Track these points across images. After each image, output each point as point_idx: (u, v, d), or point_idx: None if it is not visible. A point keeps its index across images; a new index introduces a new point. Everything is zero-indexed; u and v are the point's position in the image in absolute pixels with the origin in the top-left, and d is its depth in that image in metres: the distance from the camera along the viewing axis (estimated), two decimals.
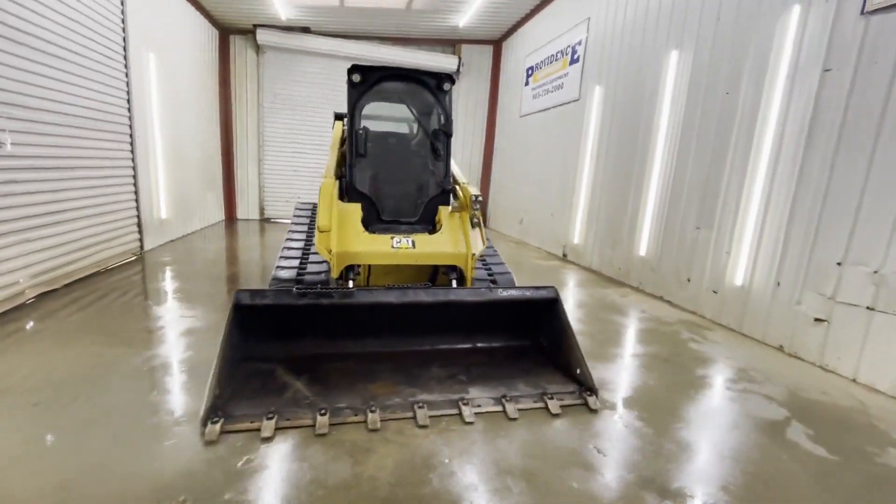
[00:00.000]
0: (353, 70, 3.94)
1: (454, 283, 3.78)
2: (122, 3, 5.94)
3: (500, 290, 3.46)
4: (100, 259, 5.58)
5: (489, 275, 4.21)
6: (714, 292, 4.93)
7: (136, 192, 6.44)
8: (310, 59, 10.77)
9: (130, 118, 6.21)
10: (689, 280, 5.29)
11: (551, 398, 2.91)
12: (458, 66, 11.37)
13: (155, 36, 6.96)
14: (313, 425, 2.49)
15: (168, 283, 5.43)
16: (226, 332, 2.78)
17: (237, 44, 10.47)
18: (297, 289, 3.10)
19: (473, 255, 3.74)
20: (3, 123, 3.97)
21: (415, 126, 4.63)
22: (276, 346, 3.23)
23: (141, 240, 6.62)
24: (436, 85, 4.12)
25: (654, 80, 5.94)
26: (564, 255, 8.19)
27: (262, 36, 10.12)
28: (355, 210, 3.88)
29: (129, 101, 6.15)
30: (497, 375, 3.21)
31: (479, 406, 2.81)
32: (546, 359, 3.51)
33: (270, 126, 10.98)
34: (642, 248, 6.11)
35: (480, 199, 3.93)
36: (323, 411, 2.58)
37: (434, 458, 2.30)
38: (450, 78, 4.12)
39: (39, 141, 4.45)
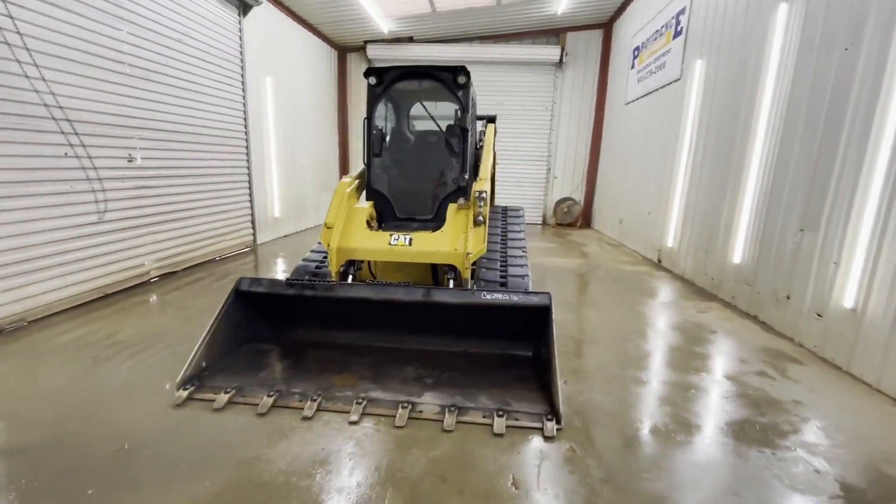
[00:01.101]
0: (368, 73, 4.11)
1: (451, 283, 3.67)
2: (240, 40, 7.19)
3: (485, 293, 3.23)
4: (216, 249, 6.89)
5: (501, 277, 3.95)
6: (818, 315, 3.75)
7: (250, 194, 7.75)
8: None
9: (246, 133, 7.50)
10: (787, 297, 4.12)
11: (502, 415, 2.63)
12: (561, 56, 10.73)
13: (272, 61, 8.24)
14: (257, 405, 2.72)
15: (271, 269, 6.43)
16: (220, 312, 3.20)
17: (353, 60, 11.67)
18: (287, 279, 3.39)
19: (468, 254, 3.56)
20: (134, 143, 5.21)
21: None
22: (269, 331, 3.58)
23: (254, 234, 7.93)
24: (451, 79, 4.02)
25: (758, 46, 4.76)
26: (659, 261, 7.11)
27: (372, 51, 11.08)
28: (365, 208, 4.05)
29: (245, 118, 7.43)
30: (465, 384, 3.03)
31: (420, 412, 2.70)
32: (539, 372, 3.17)
33: None
34: (736, 255, 4.96)
35: (484, 195, 3.73)
36: (272, 394, 2.80)
37: (334, 455, 2.31)
38: (464, 70, 3.98)
39: (165, 155, 5.71)
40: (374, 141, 4.20)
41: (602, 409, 2.82)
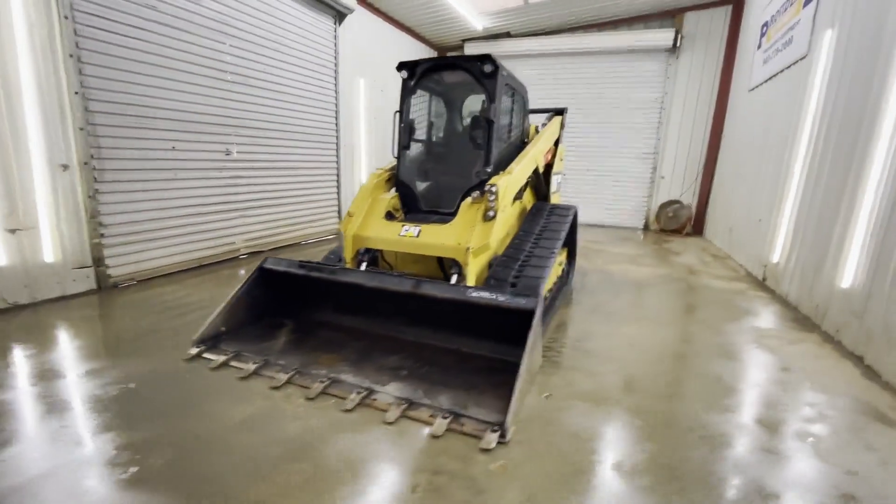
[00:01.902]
0: (400, 67, 4.19)
1: (454, 279, 3.57)
2: (335, 46, 7.91)
3: (473, 290, 3.08)
4: (302, 234, 7.73)
5: (515, 277, 3.69)
6: None
7: (338, 186, 8.50)
8: (515, 63, 11.16)
9: (337, 130, 8.23)
10: None
11: (447, 417, 2.49)
12: (676, 40, 9.48)
13: (366, 63, 8.88)
14: (242, 369, 3.02)
15: None
16: (243, 284, 3.62)
17: None
18: (300, 261, 3.68)
19: (468, 249, 3.43)
20: (231, 139, 6.13)
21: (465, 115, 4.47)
22: (287, 307, 3.89)
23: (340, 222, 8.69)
24: (478, 70, 3.89)
25: None
26: (763, 279, 5.88)
27: (469, 48, 11.19)
28: (388, 200, 4.15)
29: (336, 117, 8.16)
30: (437, 381, 2.94)
31: (373, 400, 2.70)
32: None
33: None
34: (846, 278, 3.86)
35: (494, 189, 3.55)
36: (258, 362, 3.08)
37: (265, 419, 2.46)
38: (489, 59, 3.82)
39: (258, 149, 6.59)
40: (402, 133, 4.28)
41: (570, 433, 2.48)
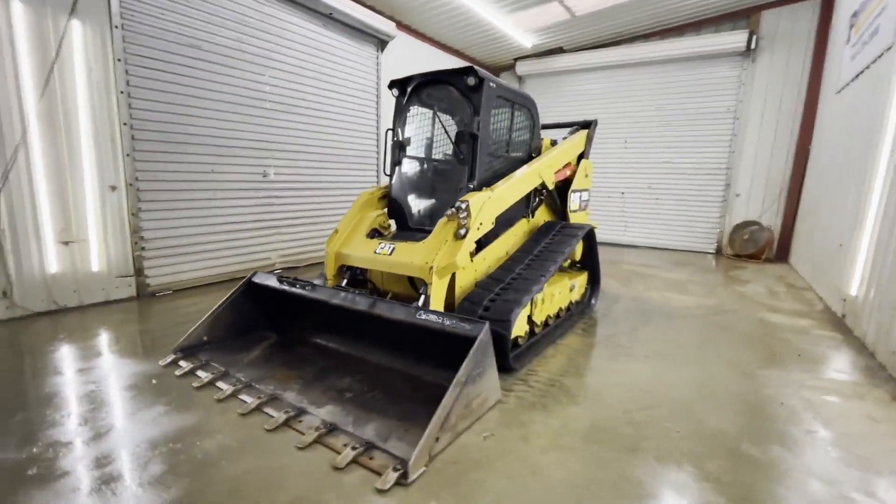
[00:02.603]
0: (391, 85, 4.19)
1: (421, 300, 3.39)
2: (377, 72, 8.25)
3: (423, 312, 2.90)
4: None
5: (491, 300, 3.41)
6: None
7: None
8: (571, 79, 10.75)
9: (377, 152, 8.50)
10: None
11: (357, 448, 2.31)
12: (750, 42, 8.45)
13: None
14: (200, 379, 3.11)
15: None
16: (227, 298, 3.77)
17: (506, 78, 11.83)
18: (281, 277, 3.75)
19: (431, 268, 3.24)
20: (269, 162, 6.60)
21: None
22: (271, 322, 3.96)
23: None
24: (463, 84, 3.75)
25: None
26: (843, 316, 4.82)
27: (521, 67, 11.04)
28: (374, 217, 4.13)
29: (377, 140, 8.44)
30: (376, 408, 2.78)
31: (300, 422, 2.60)
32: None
33: None
34: None
35: (463, 206, 3.35)
36: (216, 374, 3.15)
37: (182, 429, 2.47)
38: (471, 72, 3.67)
39: (296, 171, 7.02)
40: (393, 150, 4.25)
41: (494, 487, 2.15)
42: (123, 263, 5.15)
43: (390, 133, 4.30)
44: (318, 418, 2.63)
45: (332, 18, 7.04)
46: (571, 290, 4.64)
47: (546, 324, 4.23)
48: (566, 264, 4.92)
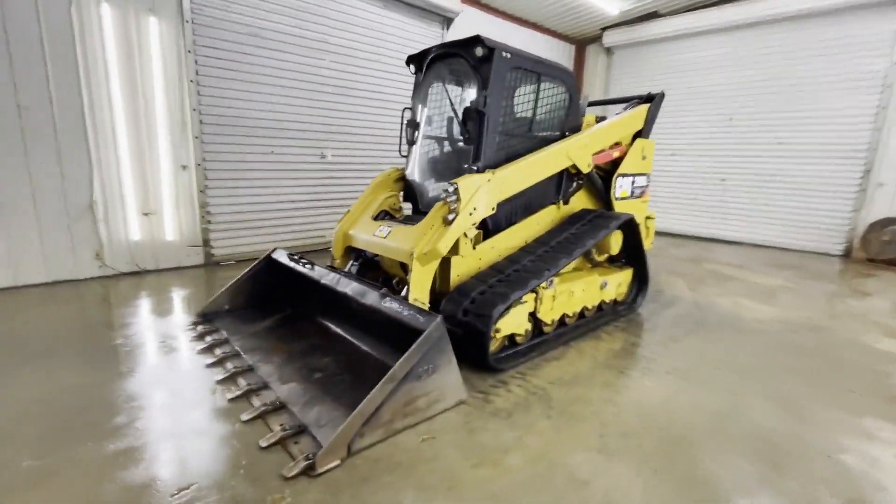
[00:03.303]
0: (408, 62, 4.02)
1: (406, 289, 3.25)
2: None
3: (388, 299, 2.78)
4: None
5: (480, 293, 3.14)
6: None
7: None
8: (667, 47, 9.44)
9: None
10: None
11: (288, 430, 2.31)
12: None
13: None
14: (207, 344, 3.38)
15: None
16: (248, 270, 4.03)
17: (591, 52, 10.79)
18: (289, 254, 3.90)
19: (412, 254, 3.08)
20: (327, 144, 6.90)
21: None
22: (287, 296, 4.13)
23: None
24: (472, 55, 3.44)
25: None
26: None
27: (609, 37, 9.96)
28: (385, 199, 4.07)
29: None
30: (335, 391, 2.76)
31: (258, 395, 2.68)
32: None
33: None
34: None
35: (453, 188, 3.11)
36: (213, 343, 3.39)
37: (151, 392, 2.68)
38: (478, 42, 3.34)
39: (354, 152, 7.24)
40: (408, 130, 4.10)
41: (396, 493, 1.99)
42: (193, 234, 5.83)
43: (407, 112, 4.15)
44: (275, 395, 2.69)
45: None
46: (603, 287, 4.10)
47: (562, 323, 3.81)
48: (601, 258, 4.35)
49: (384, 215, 4.06)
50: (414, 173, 4.13)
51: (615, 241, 4.16)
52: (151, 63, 5.20)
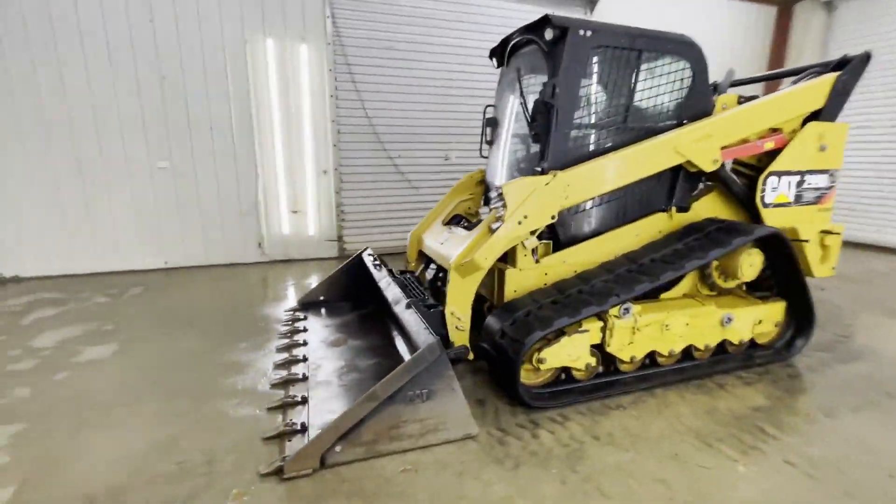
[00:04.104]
0: (491, 55, 3.75)
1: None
2: None
3: (409, 309, 2.66)
4: None
5: (526, 315, 2.73)
6: None
7: None
8: None
9: None
10: None
11: (290, 426, 2.38)
12: None
13: None
14: (292, 327, 3.80)
15: None
16: (342, 265, 4.38)
17: (802, 10, 8.28)
18: (371, 254, 4.08)
19: (451, 261, 2.86)
20: (451, 146, 7.00)
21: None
22: (366, 292, 4.32)
23: None
24: (543, 39, 2.98)
25: None
26: None
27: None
28: (460, 203, 3.91)
29: None
30: (352, 398, 2.72)
31: (292, 386, 2.86)
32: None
33: None
34: None
35: (500, 191, 2.79)
36: (302, 328, 3.77)
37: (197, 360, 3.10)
38: (547, 23, 2.86)
39: (475, 153, 7.16)
40: (487, 128, 3.79)
41: None
42: (329, 230, 6.66)
43: (490, 110, 3.86)
44: (307, 388, 2.83)
45: None
46: (726, 324, 3.09)
47: (653, 362, 3.03)
48: (728, 284, 3.28)
49: (458, 220, 3.88)
50: (494, 175, 3.83)
51: (747, 264, 3.08)
52: (300, 83, 6.10)
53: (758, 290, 3.47)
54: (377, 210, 6.82)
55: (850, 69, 3.39)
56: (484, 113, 3.91)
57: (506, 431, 2.44)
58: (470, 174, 4.15)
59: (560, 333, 2.73)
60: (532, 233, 2.90)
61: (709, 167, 3.17)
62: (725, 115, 3.20)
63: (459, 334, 2.90)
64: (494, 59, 3.78)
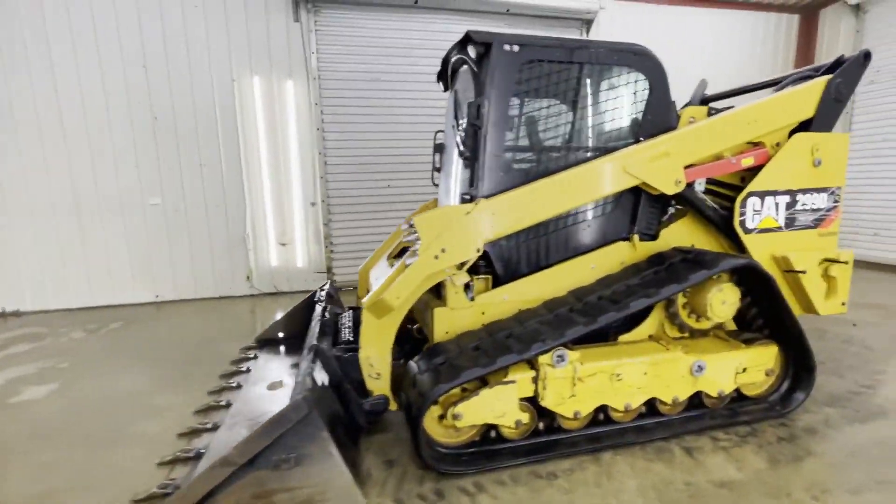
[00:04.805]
0: (437, 79, 3.54)
1: None
2: None
3: (310, 353, 2.40)
4: None
5: (441, 363, 2.41)
6: None
7: None
8: None
9: None
10: None
11: (189, 459, 2.15)
12: None
13: None
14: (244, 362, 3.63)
15: None
16: (303, 301, 4.21)
17: (828, 17, 7.61)
18: (328, 291, 3.88)
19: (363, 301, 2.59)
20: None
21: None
22: None
23: None
24: (469, 56, 2.76)
25: None
26: None
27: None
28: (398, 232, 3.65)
29: None
30: None
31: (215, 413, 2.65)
32: None
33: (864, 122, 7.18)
34: None
35: (413, 224, 2.53)
36: (250, 368, 3.59)
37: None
38: (468, 39, 2.63)
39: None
40: (436, 154, 3.56)
41: None
42: (318, 262, 6.57)
43: (440, 136, 3.64)
44: (211, 438, 2.60)
45: (510, 14, 6.53)
46: (697, 373, 2.59)
47: (605, 418, 2.58)
48: (702, 325, 2.79)
49: (405, 252, 3.62)
50: (443, 203, 3.56)
51: (719, 301, 2.59)
52: (287, 118, 6.17)
53: (749, 329, 2.94)
54: (367, 240, 6.67)
55: (843, 71, 2.91)
56: (434, 138, 3.69)
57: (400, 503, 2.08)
58: (425, 203, 3.91)
59: (484, 384, 2.37)
60: (461, 267, 2.60)
61: (670, 189, 2.75)
62: (688, 130, 2.80)
63: (376, 383, 2.59)
64: (441, 83, 3.58)
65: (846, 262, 2.94)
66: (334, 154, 6.36)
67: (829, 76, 2.91)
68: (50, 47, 5.39)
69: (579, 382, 2.43)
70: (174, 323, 5.17)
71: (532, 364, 2.40)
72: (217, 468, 1.85)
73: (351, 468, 2.11)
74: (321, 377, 2.37)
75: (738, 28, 7.61)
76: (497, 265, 2.77)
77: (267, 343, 4.02)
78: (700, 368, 2.59)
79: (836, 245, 3.06)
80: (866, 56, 2.93)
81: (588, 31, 6.97)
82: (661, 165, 2.73)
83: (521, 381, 2.37)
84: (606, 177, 2.69)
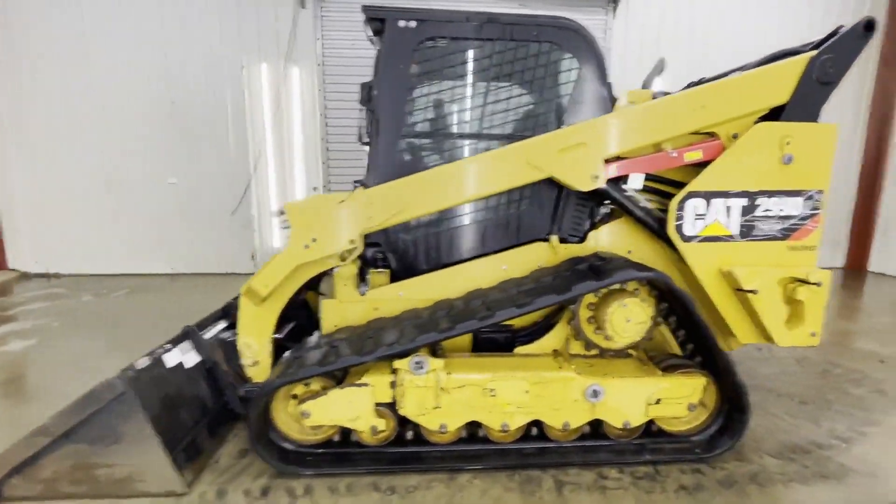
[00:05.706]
0: None
1: None
2: (606, 42, 6.43)
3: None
4: None
5: (295, 357, 2.32)
6: None
7: None
8: None
9: None
10: None
11: None
12: None
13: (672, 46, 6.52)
14: None
15: None
16: None
17: None
18: None
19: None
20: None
21: None
22: None
23: None
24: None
25: None
26: None
27: None
28: None
29: None
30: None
31: None
32: None
33: None
34: None
35: (282, 212, 2.46)
36: None
37: None
38: (366, 11, 2.44)
39: None
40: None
41: None
42: None
43: None
44: None
45: None
46: (593, 398, 2.24)
47: (487, 438, 2.34)
48: (610, 345, 2.40)
49: None
50: None
51: (622, 319, 2.21)
52: (292, 102, 6.32)
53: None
54: None
55: (832, 46, 2.32)
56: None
57: (222, 496, 2.03)
58: None
59: (339, 383, 2.24)
60: (344, 258, 2.47)
61: (584, 185, 2.39)
62: (609, 117, 2.40)
63: (254, 370, 2.56)
64: None
65: (818, 284, 2.37)
66: (336, 140, 6.42)
67: (812, 52, 2.34)
68: (87, 46, 5.96)
69: (444, 393, 2.21)
70: (171, 295, 5.56)
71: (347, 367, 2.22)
72: (33, 437, 1.92)
73: (184, 452, 2.11)
74: (183, 358, 2.39)
75: (782, 13, 6.50)
76: (391, 259, 2.61)
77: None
78: (596, 393, 2.23)
79: (813, 262, 2.48)
80: (867, 26, 2.31)
81: (615, 12, 6.34)
82: (574, 157, 2.38)
83: (376, 385, 2.20)
84: (504, 169, 2.39)
